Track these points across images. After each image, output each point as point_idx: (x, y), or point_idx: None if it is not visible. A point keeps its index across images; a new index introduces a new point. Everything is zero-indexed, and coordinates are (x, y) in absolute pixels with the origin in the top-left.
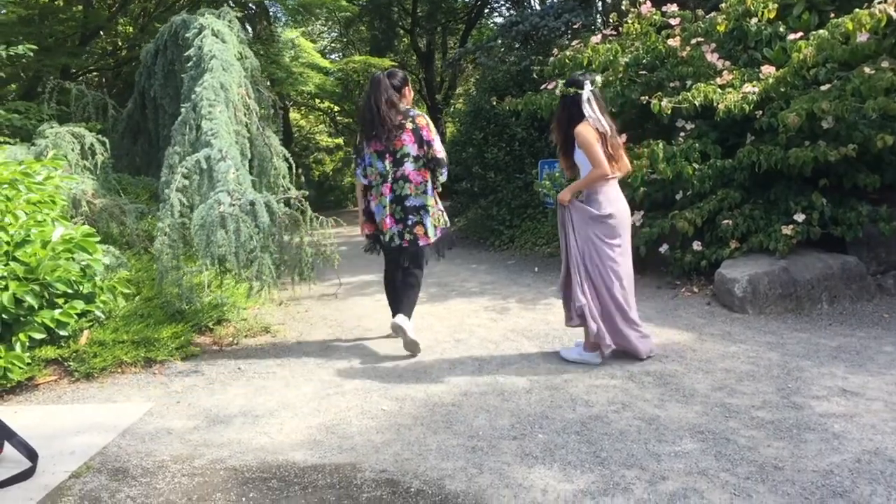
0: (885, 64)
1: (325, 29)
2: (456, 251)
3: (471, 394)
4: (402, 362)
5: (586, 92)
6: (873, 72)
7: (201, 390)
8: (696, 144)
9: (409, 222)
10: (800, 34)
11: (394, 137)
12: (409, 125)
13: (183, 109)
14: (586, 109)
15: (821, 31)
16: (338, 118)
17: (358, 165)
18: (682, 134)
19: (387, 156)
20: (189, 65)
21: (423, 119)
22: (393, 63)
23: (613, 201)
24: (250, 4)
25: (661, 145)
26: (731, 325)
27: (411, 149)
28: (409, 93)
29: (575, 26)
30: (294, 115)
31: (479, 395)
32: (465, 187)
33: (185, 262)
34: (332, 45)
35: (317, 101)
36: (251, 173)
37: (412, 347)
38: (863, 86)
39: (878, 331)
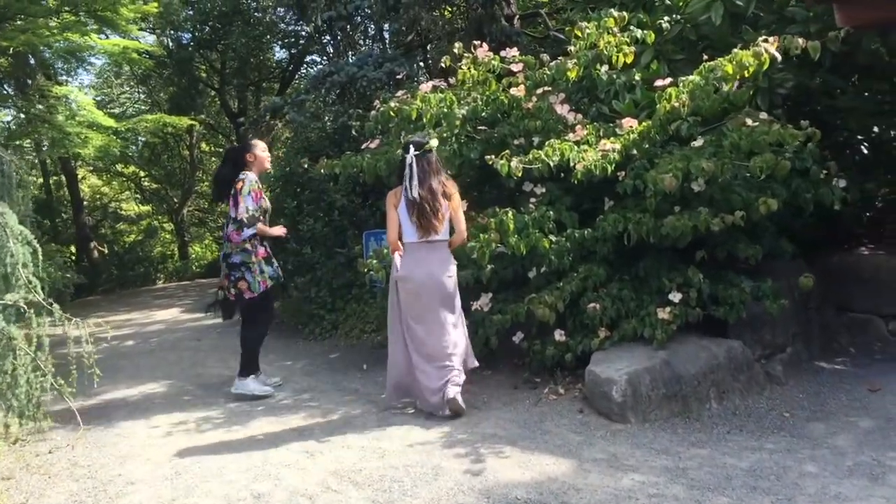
0: (763, 115)
1: (129, 90)
2: (269, 343)
3: None
4: None
5: (409, 156)
6: (756, 123)
7: None
8: (550, 212)
9: (233, 278)
10: (668, 80)
11: (227, 201)
12: (232, 190)
13: None
14: (405, 174)
15: (692, 78)
16: (144, 184)
17: None
18: (532, 200)
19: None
20: None
21: (241, 182)
22: (193, 122)
23: (404, 266)
24: (29, 55)
25: (510, 214)
26: (614, 441)
27: (232, 211)
28: (252, 157)
29: (399, 76)
30: (95, 180)
31: None
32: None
33: None
34: (137, 105)
35: (119, 165)
36: None
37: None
38: (743, 141)
39: (787, 439)
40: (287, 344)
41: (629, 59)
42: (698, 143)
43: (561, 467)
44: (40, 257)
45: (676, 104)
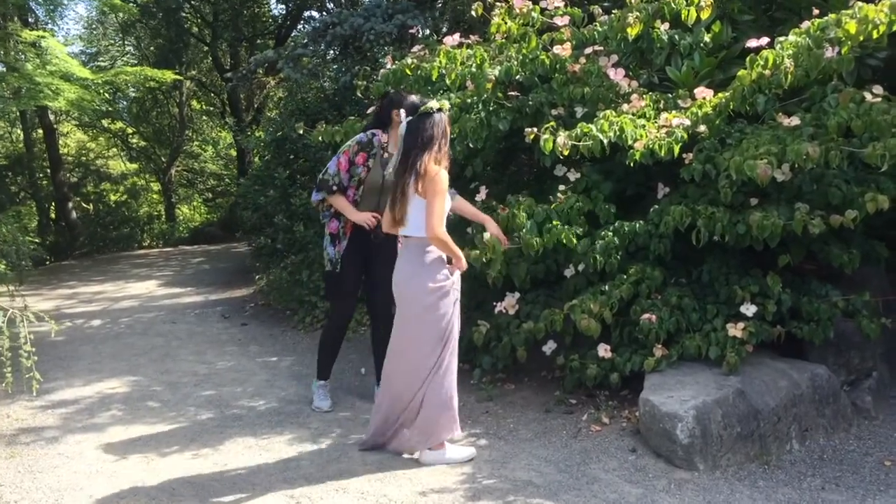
0: (879, 90)
1: (116, 41)
2: (254, 330)
3: None
4: None
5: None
6: (877, 100)
7: None
8: (579, 203)
9: None
10: (765, 40)
11: None
12: None
13: None
14: None
15: (793, 38)
16: (132, 141)
17: None
18: (560, 187)
19: None
20: None
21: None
22: (178, 76)
23: None
24: None
25: (521, 208)
26: (681, 497)
27: None
28: (398, 116)
29: (411, 30)
30: (81, 136)
31: None
32: (266, 242)
33: None
34: (126, 58)
35: (106, 121)
36: None
37: None
38: (856, 120)
39: None
40: (273, 334)
41: (704, 15)
42: (793, 121)
43: None
44: None
45: (767, 72)
